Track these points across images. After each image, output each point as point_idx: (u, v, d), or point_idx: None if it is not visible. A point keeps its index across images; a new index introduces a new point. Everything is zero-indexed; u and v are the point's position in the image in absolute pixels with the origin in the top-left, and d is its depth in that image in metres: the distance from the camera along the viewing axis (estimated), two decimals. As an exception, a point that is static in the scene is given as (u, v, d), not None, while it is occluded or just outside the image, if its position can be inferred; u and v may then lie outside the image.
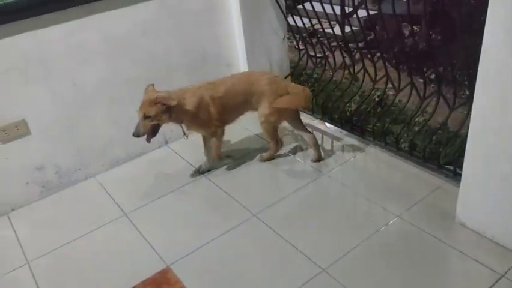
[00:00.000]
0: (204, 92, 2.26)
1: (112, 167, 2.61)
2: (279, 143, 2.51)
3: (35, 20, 2.12)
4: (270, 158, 2.54)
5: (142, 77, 2.55)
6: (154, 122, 2.14)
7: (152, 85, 2.20)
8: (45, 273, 1.97)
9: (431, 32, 2.77)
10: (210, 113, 2.28)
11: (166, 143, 2.81)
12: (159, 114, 2.12)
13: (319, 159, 2.48)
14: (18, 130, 2.23)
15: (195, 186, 2.42)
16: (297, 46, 3.05)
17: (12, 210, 2.37)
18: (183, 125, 2.31)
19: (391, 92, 3.05)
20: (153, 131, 2.18)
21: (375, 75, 2.51)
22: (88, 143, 2.49)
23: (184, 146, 2.77)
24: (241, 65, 2.94)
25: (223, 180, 2.43)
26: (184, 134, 2.34)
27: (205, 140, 2.47)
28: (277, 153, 2.57)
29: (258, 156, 2.56)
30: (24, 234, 2.21)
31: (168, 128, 2.77)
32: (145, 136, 2.18)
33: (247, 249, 1.98)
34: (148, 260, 1.97)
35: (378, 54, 2.58)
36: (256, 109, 2.41)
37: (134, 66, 2.51)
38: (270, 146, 2.53)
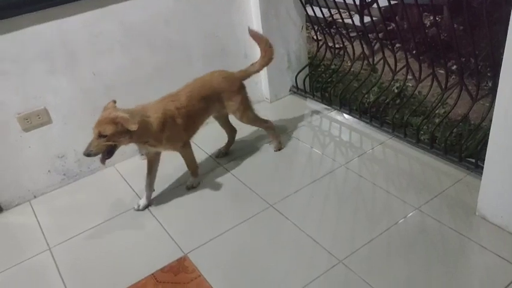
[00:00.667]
0: (168, 104, 2.12)
1: (130, 156, 2.63)
2: (268, 122, 2.53)
3: (56, 9, 2.14)
4: (280, 144, 2.55)
5: (161, 67, 2.58)
6: (110, 143, 1.91)
7: (114, 102, 1.99)
8: (66, 259, 2.02)
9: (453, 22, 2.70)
10: (177, 126, 2.13)
11: (184, 133, 2.82)
12: (116, 134, 1.89)
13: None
14: (40, 119, 2.27)
15: (213, 176, 2.43)
16: (315, 37, 3.02)
17: (34, 197, 2.42)
18: (146, 146, 2.11)
19: (410, 84, 3.01)
20: (108, 152, 1.94)
21: (395, 65, 2.47)
22: (107, 132, 2.52)
23: (203, 137, 2.78)
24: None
25: (241, 171, 2.43)
26: (142, 154, 2.15)
27: (151, 167, 2.25)
28: (281, 143, 2.61)
29: (272, 147, 2.56)
30: (45, 220, 2.26)
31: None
32: (99, 156, 1.95)
33: (263, 239, 1.99)
34: (166, 248, 1.99)
35: (398, 45, 2.54)
36: (221, 110, 2.38)
37: (152, 55, 2.53)
38: (269, 134, 2.56)
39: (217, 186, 2.36)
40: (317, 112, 2.91)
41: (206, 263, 1.89)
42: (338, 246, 1.88)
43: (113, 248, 2.04)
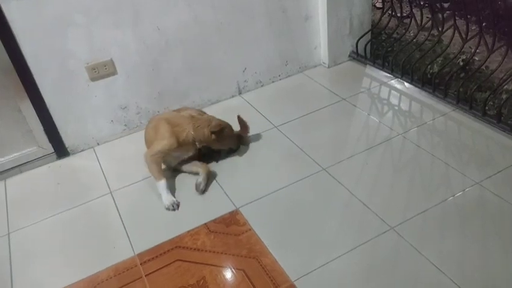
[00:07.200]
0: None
1: (187, 112, 2.71)
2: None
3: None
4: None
5: (221, 26, 2.58)
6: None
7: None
8: (125, 203, 2.14)
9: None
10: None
11: (240, 93, 2.85)
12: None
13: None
14: (106, 69, 2.37)
15: (267, 137, 2.44)
16: (381, 4, 2.88)
17: (98, 144, 2.56)
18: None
19: (477, 57, 2.84)
20: None
21: (467, 34, 2.33)
22: (167, 86, 2.59)
23: (257, 96, 2.80)
24: (320, 17, 2.85)
25: (295, 135, 2.42)
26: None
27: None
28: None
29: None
30: (107, 166, 2.39)
31: (242, 78, 2.81)
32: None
33: (314, 200, 2.00)
34: (219, 201, 2.06)
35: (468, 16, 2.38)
36: None
37: (214, 12, 2.52)
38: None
39: (270, 147, 2.38)
40: (377, 79, 2.82)
41: (256, 218, 1.94)
42: (390, 213, 1.86)
43: (169, 196, 2.13)
